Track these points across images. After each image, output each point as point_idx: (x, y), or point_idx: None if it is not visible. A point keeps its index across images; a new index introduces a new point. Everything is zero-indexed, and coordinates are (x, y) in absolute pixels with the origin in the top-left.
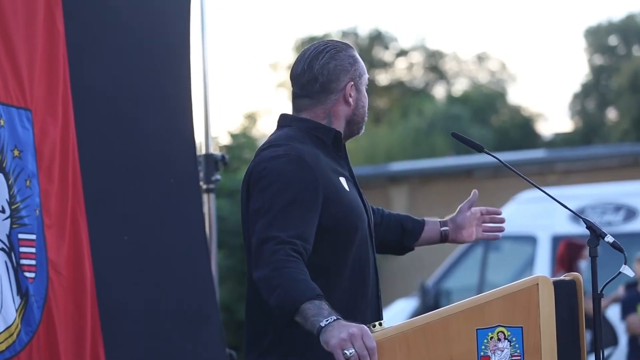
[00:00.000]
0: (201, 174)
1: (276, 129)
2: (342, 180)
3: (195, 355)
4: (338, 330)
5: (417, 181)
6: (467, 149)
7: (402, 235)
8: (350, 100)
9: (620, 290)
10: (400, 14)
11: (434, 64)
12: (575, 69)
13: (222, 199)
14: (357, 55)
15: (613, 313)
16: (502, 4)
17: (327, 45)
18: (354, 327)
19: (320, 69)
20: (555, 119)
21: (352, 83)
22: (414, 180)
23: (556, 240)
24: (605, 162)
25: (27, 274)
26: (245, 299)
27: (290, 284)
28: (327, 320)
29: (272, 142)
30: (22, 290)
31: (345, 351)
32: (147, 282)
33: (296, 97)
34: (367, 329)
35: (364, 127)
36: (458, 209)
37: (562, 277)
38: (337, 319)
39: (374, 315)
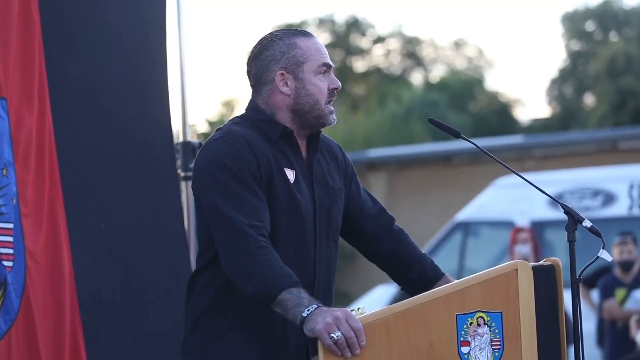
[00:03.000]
0: (179, 162)
1: None
2: (289, 172)
3: (172, 344)
4: (322, 316)
5: (395, 168)
6: (445, 135)
7: (404, 279)
8: (286, 89)
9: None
10: (377, 1)
11: (411, 51)
12: (553, 54)
13: None
14: (302, 42)
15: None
16: None
17: (266, 36)
18: (338, 311)
19: (251, 61)
20: (532, 105)
21: (282, 72)
22: (392, 167)
23: (535, 225)
24: (583, 148)
25: (5, 263)
26: None
27: (267, 272)
28: (309, 310)
29: (218, 127)
30: (0, 279)
31: (332, 335)
32: (125, 271)
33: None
34: (351, 311)
35: (328, 116)
36: None
37: (541, 262)
38: (318, 306)
39: None
